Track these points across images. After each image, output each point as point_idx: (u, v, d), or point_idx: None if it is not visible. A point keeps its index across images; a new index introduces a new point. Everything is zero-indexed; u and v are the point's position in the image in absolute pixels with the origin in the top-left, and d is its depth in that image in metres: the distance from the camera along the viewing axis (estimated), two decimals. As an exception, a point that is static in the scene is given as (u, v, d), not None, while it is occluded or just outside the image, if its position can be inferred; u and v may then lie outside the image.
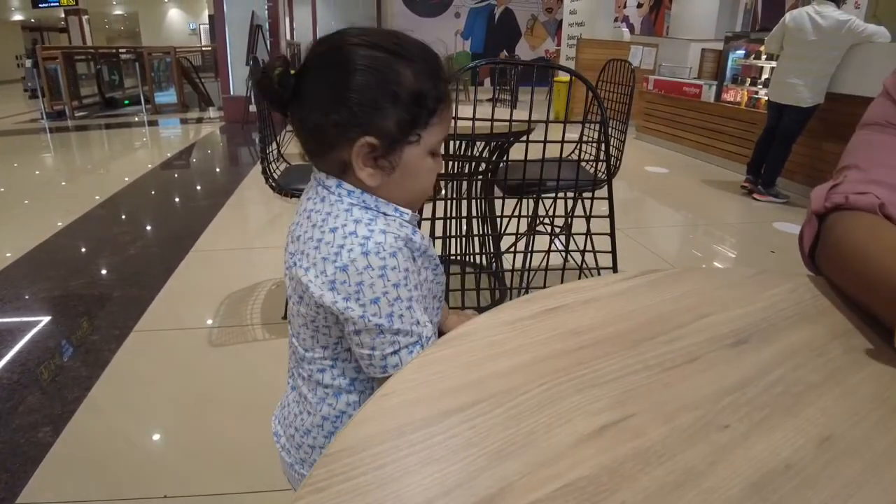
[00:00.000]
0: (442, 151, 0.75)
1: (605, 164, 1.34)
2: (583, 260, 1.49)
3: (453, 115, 1.29)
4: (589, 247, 1.63)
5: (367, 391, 0.76)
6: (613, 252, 1.41)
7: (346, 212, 0.69)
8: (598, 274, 1.58)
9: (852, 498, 0.36)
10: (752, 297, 0.60)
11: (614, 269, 1.41)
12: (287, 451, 0.82)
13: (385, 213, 0.71)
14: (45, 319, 2.40)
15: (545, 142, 1.28)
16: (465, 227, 1.74)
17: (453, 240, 1.73)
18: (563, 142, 1.27)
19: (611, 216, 1.35)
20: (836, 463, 0.38)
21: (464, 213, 1.70)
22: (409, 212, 0.74)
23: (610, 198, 1.37)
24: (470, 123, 1.29)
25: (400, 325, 0.67)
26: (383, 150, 0.69)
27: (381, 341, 0.67)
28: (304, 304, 0.71)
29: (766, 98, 4.53)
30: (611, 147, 1.76)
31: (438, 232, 1.71)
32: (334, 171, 0.72)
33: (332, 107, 0.67)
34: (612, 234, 1.37)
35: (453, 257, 1.79)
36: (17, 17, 19.86)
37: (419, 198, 0.76)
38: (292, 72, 0.69)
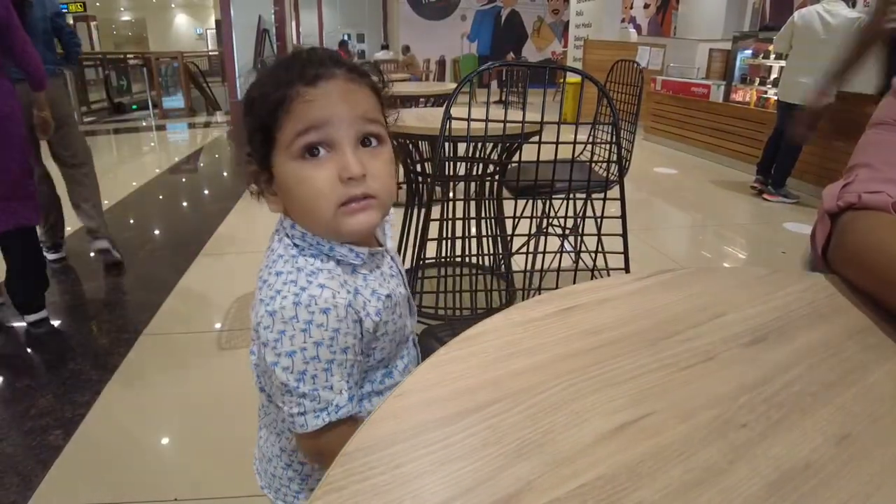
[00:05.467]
0: (320, 150, 0.62)
1: (616, 164, 1.34)
2: (594, 261, 1.49)
3: (450, 115, 1.30)
4: (600, 248, 1.63)
5: None
6: (626, 253, 1.40)
7: (292, 258, 0.65)
8: (610, 275, 1.58)
9: (872, 496, 0.35)
10: (766, 297, 0.60)
11: (627, 269, 1.41)
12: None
13: (334, 258, 0.65)
14: (55, 323, 2.42)
15: (557, 143, 1.28)
16: (474, 229, 1.74)
17: (461, 241, 1.73)
18: (574, 143, 1.27)
19: (623, 217, 1.35)
20: (856, 461, 0.38)
21: (472, 215, 1.70)
22: (364, 250, 0.67)
23: (622, 198, 1.37)
24: (482, 125, 1.30)
25: (307, 387, 0.62)
26: (260, 170, 0.66)
27: (288, 400, 0.64)
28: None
29: (776, 98, 4.51)
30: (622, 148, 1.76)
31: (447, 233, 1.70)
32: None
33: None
34: (625, 235, 1.37)
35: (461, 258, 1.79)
36: (27, 23, 20.04)
37: (326, 217, 0.62)
38: None
